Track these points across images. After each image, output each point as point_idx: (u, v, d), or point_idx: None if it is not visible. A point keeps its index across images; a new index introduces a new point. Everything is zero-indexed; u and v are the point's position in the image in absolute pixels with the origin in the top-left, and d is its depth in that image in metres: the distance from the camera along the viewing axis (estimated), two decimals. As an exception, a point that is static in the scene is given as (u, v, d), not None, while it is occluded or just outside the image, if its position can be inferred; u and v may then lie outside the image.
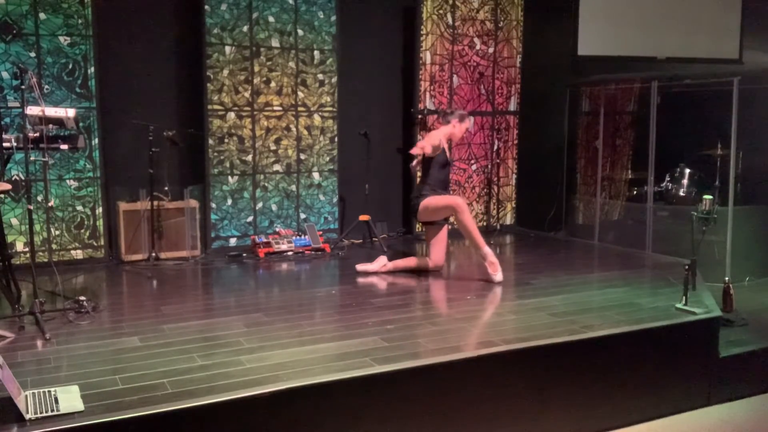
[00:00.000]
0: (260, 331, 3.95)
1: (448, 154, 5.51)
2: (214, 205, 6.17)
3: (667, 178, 6.67)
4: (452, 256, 6.24)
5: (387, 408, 3.36)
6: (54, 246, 5.56)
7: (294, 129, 6.44)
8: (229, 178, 6.22)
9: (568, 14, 6.73)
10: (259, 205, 6.37)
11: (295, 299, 4.77)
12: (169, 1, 6.11)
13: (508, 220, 7.58)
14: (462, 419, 3.54)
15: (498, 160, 7.36)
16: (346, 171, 6.70)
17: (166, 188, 5.76)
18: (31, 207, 4.27)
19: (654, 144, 6.43)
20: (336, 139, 6.61)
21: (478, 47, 7.19)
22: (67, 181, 5.60)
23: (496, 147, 7.33)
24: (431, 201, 5.32)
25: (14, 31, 5.33)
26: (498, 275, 5.14)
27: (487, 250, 5.20)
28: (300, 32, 6.35)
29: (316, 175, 6.57)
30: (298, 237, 6.20)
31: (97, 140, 5.65)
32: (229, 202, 6.24)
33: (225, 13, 6.02)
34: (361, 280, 5.29)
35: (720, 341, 4.37)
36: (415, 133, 6.93)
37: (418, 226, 6.88)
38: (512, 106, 7.44)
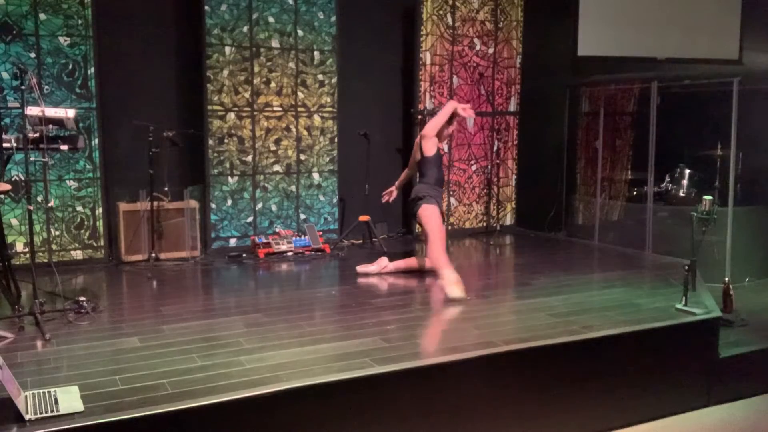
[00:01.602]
0: (260, 331, 3.95)
1: (443, 151, 5.49)
2: (214, 206, 6.17)
3: (667, 179, 6.67)
4: (452, 257, 6.22)
5: (387, 408, 3.36)
6: (54, 246, 5.56)
7: (294, 129, 6.44)
8: (229, 178, 6.22)
9: (568, 14, 6.73)
10: (259, 205, 6.37)
11: (295, 300, 4.77)
12: (169, 2, 6.11)
13: (508, 220, 7.58)
14: (462, 419, 3.54)
15: (498, 161, 7.36)
16: (346, 171, 6.70)
17: (166, 189, 5.76)
18: (31, 207, 4.27)
19: (654, 144, 6.43)
20: (336, 140, 6.61)
21: (478, 48, 7.19)
22: (67, 181, 5.60)
23: (496, 147, 7.33)
24: (425, 215, 5.26)
25: (14, 32, 5.33)
26: (452, 291, 4.75)
27: (446, 272, 4.98)
28: (300, 33, 6.35)
29: (315, 176, 6.57)
30: (297, 237, 6.20)
31: (97, 141, 5.65)
32: (229, 202, 6.24)
33: (225, 14, 6.02)
34: (361, 280, 5.28)
35: (720, 341, 4.37)
36: (415, 133, 6.92)
37: (417, 226, 6.87)
38: (512, 106, 7.44)
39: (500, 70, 7.34)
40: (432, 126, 5.33)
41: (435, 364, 3.47)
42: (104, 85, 5.71)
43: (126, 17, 5.90)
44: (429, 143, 5.33)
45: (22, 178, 5.26)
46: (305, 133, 6.49)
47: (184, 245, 5.89)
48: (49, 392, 2.96)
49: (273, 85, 6.29)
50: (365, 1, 6.89)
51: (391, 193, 5.76)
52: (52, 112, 4.46)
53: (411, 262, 5.52)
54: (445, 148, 5.59)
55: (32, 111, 4.30)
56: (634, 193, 7.02)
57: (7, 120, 5.26)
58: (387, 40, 7.06)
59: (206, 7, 5.94)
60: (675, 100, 6.63)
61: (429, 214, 5.27)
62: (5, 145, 4.42)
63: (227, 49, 6.07)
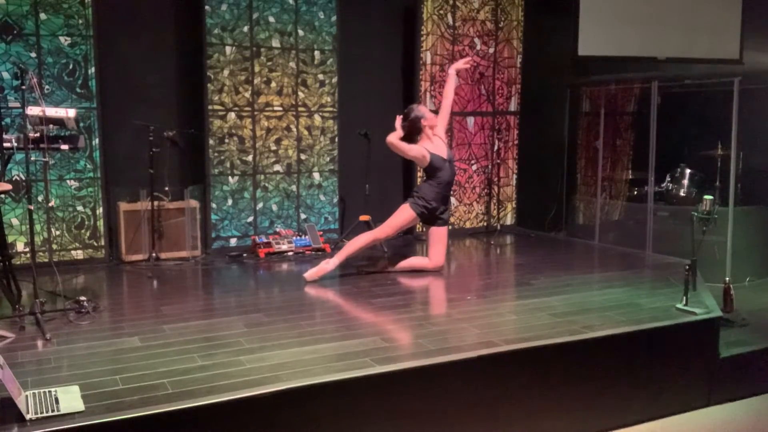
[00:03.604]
0: (260, 331, 3.95)
1: (441, 152, 5.45)
2: (214, 206, 6.18)
3: (668, 179, 6.66)
4: (452, 257, 6.23)
5: (387, 408, 3.36)
6: (54, 246, 5.56)
7: (294, 129, 6.44)
8: (230, 178, 6.22)
9: (568, 14, 6.73)
10: (260, 205, 6.37)
11: (295, 299, 4.77)
12: (169, 2, 6.12)
13: (509, 220, 7.58)
14: (462, 419, 3.55)
15: (498, 161, 7.36)
16: (347, 171, 6.70)
17: (167, 188, 5.77)
18: (32, 207, 4.27)
19: (654, 144, 6.43)
20: (336, 140, 6.61)
21: (478, 47, 7.19)
22: (68, 181, 5.61)
23: (496, 147, 7.33)
24: (400, 209, 5.42)
25: (15, 32, 5.33)
26: (308, 274, 5.16)
27: (333, 260, 5.23)
28: (300, 32, 6.35)
29: (316, 176, 6.58)
30: (298, 237, 6.20)
31: (97, 140, 5.66)
32: (230, 202, 6.24)
33: (225, 14, 6.03)
34: (360, 280, 5.28)
35: (720, 341, 4.37)
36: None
37: (418, 226, 6.88)
38: (512, 106, 7.44)
39: (501, 69, 7.34)
40: (409, 156, 5.50)
41: (435, 364, 3.47)
42: (104, 85, 5.71)
43: (126, 17, 5.91)
44: (418, 161, 5.48)
45: (23, 178, 5.27)
46: (306, 132, 6.49)
47: (184, 245, 5.89)
48: (49, 392, 2.96)
49: (273, 84, 6.29)
50: (365, 1, 6.89)
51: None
52: (52, 111, 4.46)
53: (411, 261, 5.53)
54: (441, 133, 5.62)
55: (33, 111, 4.30)
56: (635, 192, 7.02)
57: (8, 120, 5.27)
58: (387, 40, 7.06)
59: (206, 7, 5.94)
60: (675, 100, 6.63)
61: (400, 212, 5.39)
62: (6, 144, 4.42)
63: (228, 49, 6.07)
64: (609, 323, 4.12)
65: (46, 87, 5.42)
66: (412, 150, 5.39)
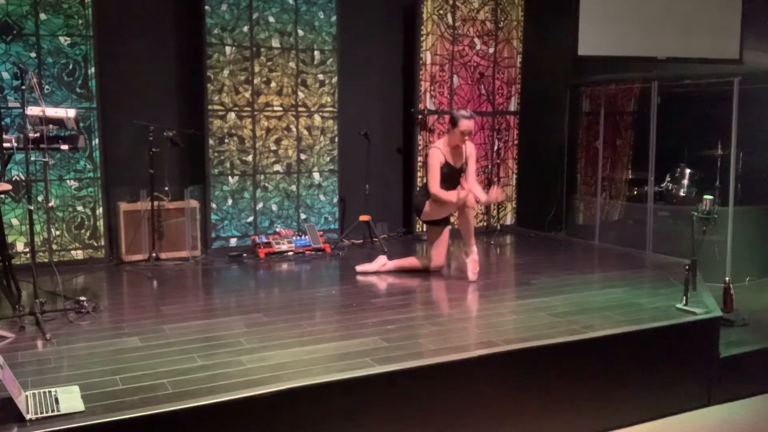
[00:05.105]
0: (261, 331, 3.95)
1: (452, 161, 5.39)
2: (214, 206, 6.18)
3: (668, 179, 6.66)
4: (452, 256, 6.23)
5: (387, 408, 3.36)
6: (54, 246, 5.56)
7: (294, 129, 6.44)
8: (230, 178, 6.22)
9: (568, 14, 6.73)
10: (260, 205, 6.37)
11: (295, 299, 4.77)
12: (169, 2, 6.11)
13: (509, 220, 7.58)
14: (462, 419, 3.54)
15: (498, 161, 7.36)
16: (347, 171, 6.70)
17: (167, 188, 5.77)
18: (32, 207, 4.27)
19: (654, 144, 6.43)
20: (336, 140, 6.61)
21: (478, 47, 7.19)
22: (68, 181, 5.61)
23: (496, 147, 7.33)
24: (432, 204, 5.28)
25: (15, 32, 5.33)
26: (474, 275, 5.19)
27: (475, 248, 5.24)
28: (300, 32, 6.35)
29: (316, 176, 6.57)
30: (298, 237, 6.20)
31: (97, 140, 5.66)
32: (230, 202, 6.24)
33: (225, 14, 6.02)
34: (361, 280, 5.29)
35: (720, 341, 4.37)
36: (415, 133, 6.93)
37: (418, 226, 6.88)
38: (512, 106, 7.44)
39: (500, 69, 7.34)
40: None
41: (435, 364, 3.47)
42: (104, 85, 5.71)
43: (126, 17, 5.91)
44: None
45: (23, 178, 5.27)
46: (305, 132, 6.49)
47: (184, 245, 5.89)
48: (49, 392, 2.96)
49: (273, 84, 6.29)
50: (365, 1, 6.89)
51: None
52: (52, 111, 4.46)
53: (411, 261, 5.52)
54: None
55: (33, 111, 4.30)
56: (635, 192, 7.02)
57: (8, 120, 5.27)
58: (387, 40, 7.06)
59: (206, 7, 5.94)
60: (675, 100, 6.63)
61: (444, 194, 5.18)
62: (6, 145, 4.42)
63: (227, 49, 6.07)
64: (609, 323, 4.12)
65: (46, 87, 5.42)
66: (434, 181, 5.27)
